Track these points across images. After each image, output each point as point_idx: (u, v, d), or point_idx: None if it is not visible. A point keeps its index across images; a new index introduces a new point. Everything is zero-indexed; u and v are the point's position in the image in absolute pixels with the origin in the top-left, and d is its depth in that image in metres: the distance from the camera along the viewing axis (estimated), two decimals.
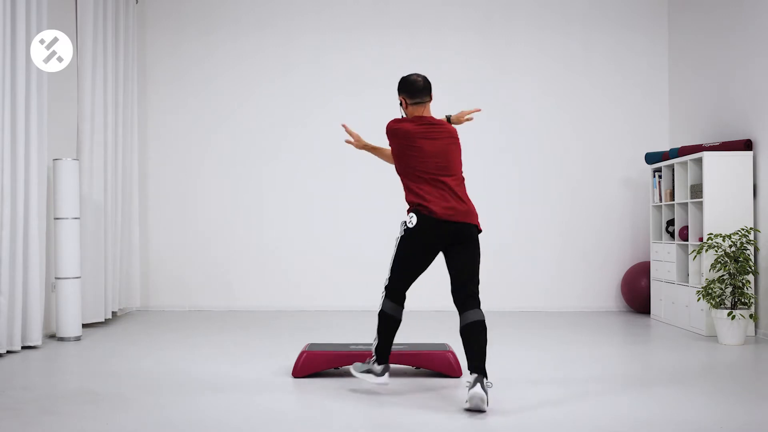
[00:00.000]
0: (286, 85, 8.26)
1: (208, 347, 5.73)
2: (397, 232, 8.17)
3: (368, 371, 4.21)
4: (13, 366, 4.98)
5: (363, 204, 8.19)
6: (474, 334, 3.86)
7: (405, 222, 4.07)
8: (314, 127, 8.24)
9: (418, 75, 4.14)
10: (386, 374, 4.18)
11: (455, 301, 4.05)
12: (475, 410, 3.74)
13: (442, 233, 4.01)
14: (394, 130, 4.10)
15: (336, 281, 8.19)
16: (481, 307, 3.99)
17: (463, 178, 4.12)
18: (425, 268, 4.15)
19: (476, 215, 4.07)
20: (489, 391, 3.87)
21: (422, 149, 4.03)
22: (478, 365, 3.78)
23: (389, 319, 4.14)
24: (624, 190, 8.20)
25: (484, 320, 3.95)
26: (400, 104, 4.18)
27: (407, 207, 4.19)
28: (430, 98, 4.15)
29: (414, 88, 4.11)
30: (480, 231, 4.14)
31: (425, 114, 4.14)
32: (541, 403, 3.94)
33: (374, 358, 4.20)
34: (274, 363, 5.04)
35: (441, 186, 4.02)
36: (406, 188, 4.10)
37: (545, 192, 8.20)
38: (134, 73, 7.81)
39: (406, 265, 4.11)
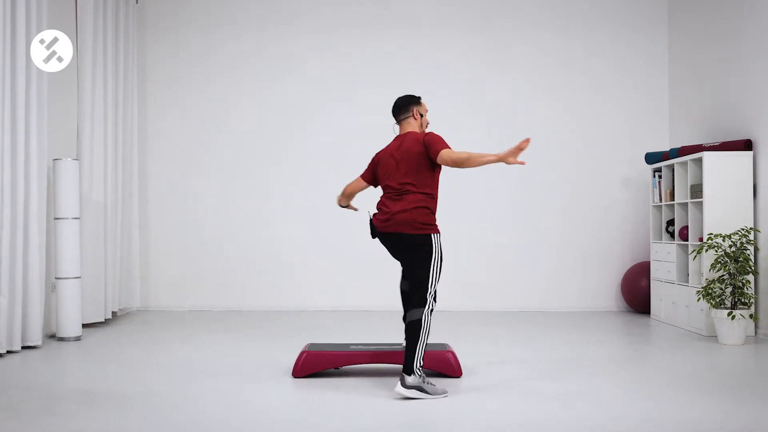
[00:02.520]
0: (285, 86, 8.25)
1: (208, 347, 5.73)
2: None
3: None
4: (13, 366, 4.98)
5: (363, 204, 8.19)
6: (406, 334, 4.11)
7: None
8: (314, 127, 8.24)
9: (400, 96, 4.45)
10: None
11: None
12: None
13: (384, 241, 4.24)
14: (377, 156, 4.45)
15: (336, 281, 8.19)
16: (424, 305, 4.09)
17: (411, 187, 4.12)
18: (404, 267, 4.32)
19: (413, 222, 4.08)
20: (416, 388, 4.01)
21: (379, 163, 4.37)
22: (406, 365, 4.02)
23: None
24: (624, 190, 8.20)
25: (417, 320, 4.07)
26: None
27: None
28: (409, 115, 4.32)
29: (393, 110, 4.38)
30: (424, 235, 4.10)
31: (404, 131, 4.35)
32: (541, 402, 3.94)
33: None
34: (274, 363, 5.04)
35: (385, 198, 4.25)
36: None
37: (545, 192, 8.20)
38: (134, 73, 7.81)
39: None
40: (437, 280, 4.15)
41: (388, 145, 4.36)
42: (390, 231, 4.13)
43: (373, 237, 4.29)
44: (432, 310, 4.13)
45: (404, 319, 4.22)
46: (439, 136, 4.14)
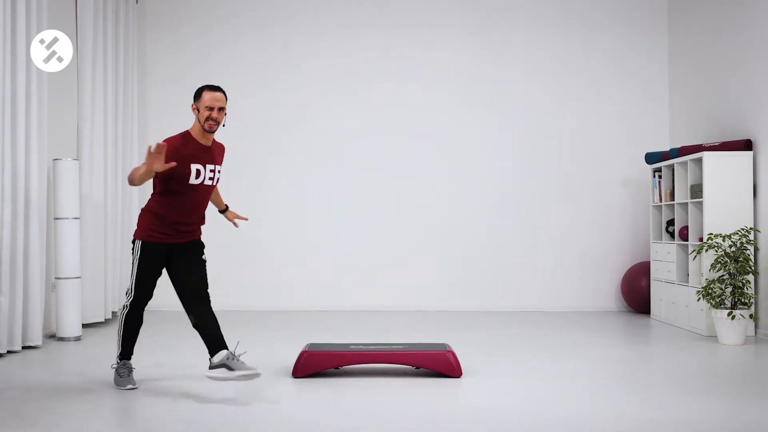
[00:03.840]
0: (285, 85, 8.25)
1: None
2: (398, 232, 8.17)
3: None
4: (13, 366, 4.98)
5: (362, 204, 8.19)
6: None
7: None
8: (313, 127, 8.24)
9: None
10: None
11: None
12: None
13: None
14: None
15: (335, 281, 8.19)
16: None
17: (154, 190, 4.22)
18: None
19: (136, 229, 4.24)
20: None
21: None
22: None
23: None
24: (624, 190, 8.20)
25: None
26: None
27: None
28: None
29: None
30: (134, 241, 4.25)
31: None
32: (541, 402, 3.94)
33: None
34: (274, 363, 5.04)
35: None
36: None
37: (545, 192, 8.20)
38: (134, 73, 7.81)
39: None
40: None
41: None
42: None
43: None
44: (125, 307, 4.28)
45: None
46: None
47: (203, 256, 4.36)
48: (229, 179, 8.26)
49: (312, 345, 4.79)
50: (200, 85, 4.78)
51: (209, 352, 4.05)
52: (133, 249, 4.25)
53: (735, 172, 6.29)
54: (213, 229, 8.29)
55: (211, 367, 4.02)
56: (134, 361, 5.17)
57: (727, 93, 6.83)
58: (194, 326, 4.17)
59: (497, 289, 8.15)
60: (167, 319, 7.42)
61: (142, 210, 4.24)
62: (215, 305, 8.41)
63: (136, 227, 4.27)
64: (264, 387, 4.31)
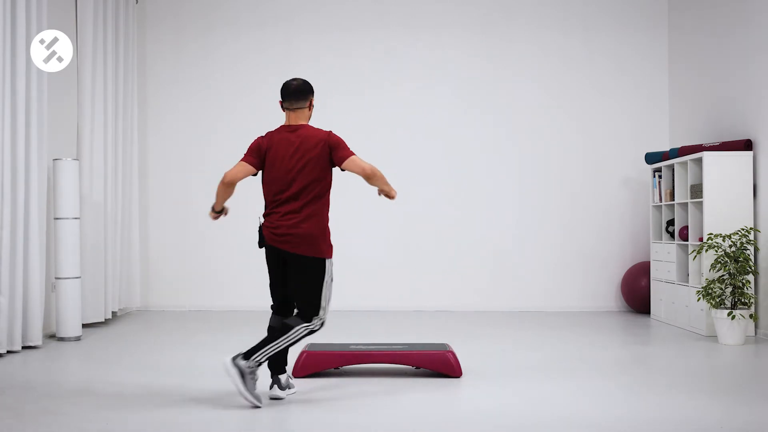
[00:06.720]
0: None
1: (208, 347, 5.73)
2: (398, 232, 8.18)
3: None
4: (13, 366, 4.98)
5: (362, 204, 8.19)
6: (276, 331, 3.84)
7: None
8: (314, 126, 8.23)
9: (295, 78, 3.98)
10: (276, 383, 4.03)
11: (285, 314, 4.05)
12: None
13: (274, 255, 3.94)
14: (259, 142, 3.96)
15: (336, 281, 8.19)
16: (306, 324, 3.88)
17: (315, 199, 3.86)
18: (285, 286, 4.01)
19: (312, 244, 3.83)
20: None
21: (277, 165, 3.87)
22: (248, 352, 3.79)
23: (269, 330, 4.04)
24: (624, 190, 8.20)
25: (288, 325, 3.85)
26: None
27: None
28: (307, 106, 3.96)
29: (286, 91, 3.95)
30: (320, 258, 3.87)
31: (293, 122, 3.96)
32: (541, 402, 3.94)
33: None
34: None
35: (278, 208, 3.87)
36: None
37: (545, 192, 8.20)
38: (134, 73, 7.81)
39: (270, 281, 4.05)
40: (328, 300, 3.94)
41: (275, 136, 3.91)
42: (286, 250, 3.83)
43: (260, 245, 3.95)
44: (311, 331, 3.89)
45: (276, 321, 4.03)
46: (342, 139, 3.93)
47: None
48: None
49: (312, 345, 4.79)
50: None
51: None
52: (325, 268, 3.86)
53: (735, 172, 6.29)
54: (213, 229, 8.29)
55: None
56: (137, 361, 5.17)
57: (727, 93, 6.83)
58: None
59: (497, 289, 8.15)
60: (167, 319, 7.42)
61: (318, 222, 3.84)
62: (216, 304, 8.46)
63: (319, 244, 3.83)
64: (264, 387, 4.31)
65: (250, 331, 6.56)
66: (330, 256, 3.92)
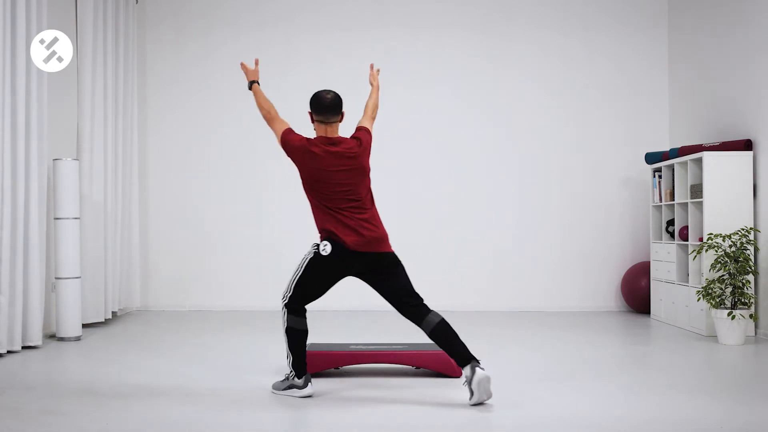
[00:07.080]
0: (285, 85, 8.25)
1: (208, 347, 5.73)
2: (398, 232, 8.17)
3: (290, 386, 4.09)
4: (13, 366, 4.98)
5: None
6: (443, 333, 3.93)
7: (318, 246, 4.01)
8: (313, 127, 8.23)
9: (328, 92, 4.05)
10: (309, 384, 4.08)
11: (406, 316, 4.04)
12: (485, 398, 3.79)
13: (353, 263, 4.00)
14: (302, 148, 3.99)
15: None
16: (432, 308, 4.02)
17: (371, 200, 4.07)
18: (325, 292, 4.19)
19: (387, 240, 4.05)
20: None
21: (329, 179, 3.95)
22: (466, 355, 3.86)
23: (297, 333, 4.09)
24: (624, 190, 8.20)
25: (443, 318, 4.00)
26: (312, 120, 4.10)
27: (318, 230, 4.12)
28: (340, 118, 4.05)
29: (320, 105, 4.01)
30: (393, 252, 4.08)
31: (330, 135, 4.05)
32: (541, 402, 3.94)
33: (293, 373, 4.09)
34: (275, 363, 5.04)
35: (348, 215, 3.97)
36: (315, 213, 4.03)
37: (545, 192, 8.20)
38: (134, 73, 7.81)
39: (308, 289, 4.10)
40: None
41: (321, 151, 3.96)
42: (372, 250, 3.98)
43: (329, 258, 3.99)
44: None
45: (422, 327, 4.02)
46: (363, 132, 4.15)
47: None
48: (232, 180, 8.26)
49: (312, 345, 4.79)
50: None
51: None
52: (395, 261, 4.06)
53: (735, 172, 6.29)
54: (213, 229, 8.29)
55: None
56: (137, 361, 5.17)
57: (727, 93, 6.83)
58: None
59: (497, 289, 8.15)
60: (167, 319, 7.42)
61: (379, 218, 4.06)
62: (216, 304, 8.46)
63: (386, 239, 4.05)
64: (264, 387, 4.31)
65: (251, 331, 6.56)
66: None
